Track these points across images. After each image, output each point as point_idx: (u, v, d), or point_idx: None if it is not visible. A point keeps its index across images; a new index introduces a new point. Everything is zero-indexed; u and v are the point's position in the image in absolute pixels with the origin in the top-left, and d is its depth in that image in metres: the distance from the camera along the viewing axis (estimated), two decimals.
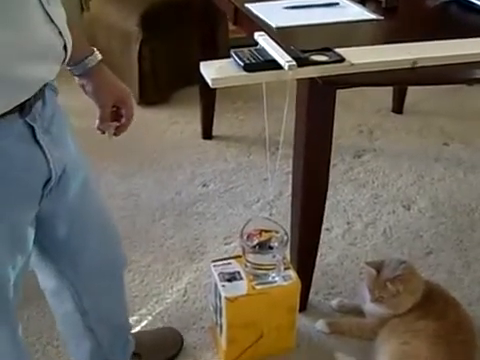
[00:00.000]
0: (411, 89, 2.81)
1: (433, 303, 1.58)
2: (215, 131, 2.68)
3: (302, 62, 1.20)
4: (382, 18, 1.59)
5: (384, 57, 1.28)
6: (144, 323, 1.69)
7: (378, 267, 1.58)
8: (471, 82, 1.59)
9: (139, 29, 2.81)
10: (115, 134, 1.16)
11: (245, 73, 1.19)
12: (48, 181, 0.96)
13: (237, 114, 2.82)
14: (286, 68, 1.16)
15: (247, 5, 1.68)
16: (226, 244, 2.00)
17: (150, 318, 1.70)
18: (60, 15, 0.90)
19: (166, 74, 2.94)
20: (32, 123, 0.89)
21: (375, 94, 2.90)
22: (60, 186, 1.00)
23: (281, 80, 1.19)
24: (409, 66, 1.29)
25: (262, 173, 2.38)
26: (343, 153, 2.51)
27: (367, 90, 2.93)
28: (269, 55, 1.22)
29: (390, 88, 2.80)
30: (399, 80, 1.34)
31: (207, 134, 2.65)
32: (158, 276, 1.86)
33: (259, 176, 2.38)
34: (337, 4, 1.66)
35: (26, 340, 1.24)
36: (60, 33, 0.88)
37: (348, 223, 2.12)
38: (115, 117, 1.15)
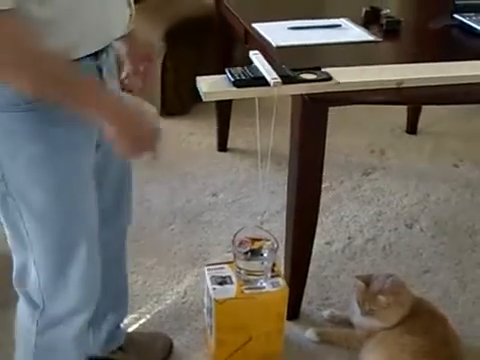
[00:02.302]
0: (426, 110, 2.85)
1: (420, 317, 1.63)
2: (230, 144, 2.77)
3: (289, 80, 1.29)
4: (381, 40, 1.66)
5: (370, 77, 1.36)
6: (142, 321, 1.78)
7: (367, 280, 1.64)
8: (455, 104, 1.64)
9: (163, 43, 2.93)
10: (143, 86, 1.32)
11: (235, 88, 1.28)
12: None
13: (253, 128, 2.90)
14: (271, 85, 1.25)
15: (254, 25, 1.77)
16: (228, 252, 2.07)
17: (148, 316, 1.80)
18: None
19: (188, 87, 3.03)
20: (101, 65, 1.11)
21: (390, 114, 2.95)
22: None
23: (268, 96, 1.28)
24: (394, 86, 1.36)
25: (271, 185, 2.45)
26: (352, 171, 2.58)
27: (382, 110, 2.99)
28: (259, 72, 1.30)
29: (404, 108, 2.85)
30: (385, 99, 1.40)
31: (222, 146, 2.75)
32: (160, 278, 1.96)
33: (268, 188, 2.45)
34: (339, 26, 1.74)
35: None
36: (129, 4, 1.14)
37: (349, 238, 2.18)
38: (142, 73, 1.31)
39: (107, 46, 1.12)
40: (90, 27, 1.03)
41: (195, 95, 3.44)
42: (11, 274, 1.57)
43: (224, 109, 2.65)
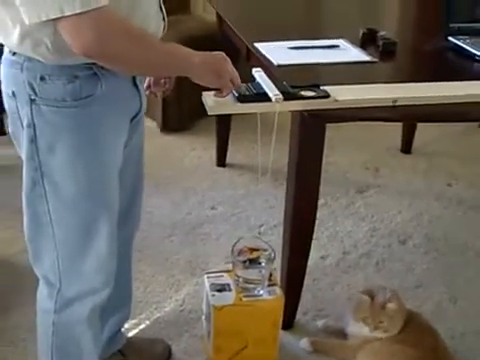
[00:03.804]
0: (420, 130, 2.93)
1: (411, 329, 1.68)
2: (229, 159, 2.85)
3: (290, 96, 1.36)
4: (377, 60, 1.74)
5: (366, 95, 1.43)
6: (142, 326, 1.84)
7: (370, 294, 1.67)
8: (448, 122, 1.71)
9: None
10: (164, 94, 1.48)
11: (238, 104, 1.35)
12: (136, 115, 1.30)
13: (252, 145, 2.98)
14: (273, 100, 1.32)
15: (256, 44, 1.84)
16: (226, 263, 2.12)
17: (148, 323, 1.85)
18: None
19: (188, 104, 3.12)
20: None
21: (385, 134, 3.03)
22: (134, 124, 1.32)
23: (270, 111, 1.34)
24: (390, 104, 1.43)
25: (269, 200, 2.52)
26: (348, 187, 2.65)
27: (377, 130, 3.06)
28: (261, 89, 1.38)
29: (400, 128, 2.94)
30: (380, 116, 1.48)
31: (221, 162, 2.82)
32: (160, 286, 2.02)
33: (266, 203, 2.52)
34: (337, 47, 1.82)
35: None
36: (163, 18, 1.25)
37: (344, 252, 2.24)
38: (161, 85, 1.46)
39: None
40: None
41: (195, 112, 3.55)
42: (11, 280, 1.64)
43: (223, 126, 2.73)
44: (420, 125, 2.92)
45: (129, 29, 1.08)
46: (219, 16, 2.45)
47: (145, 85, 1.38)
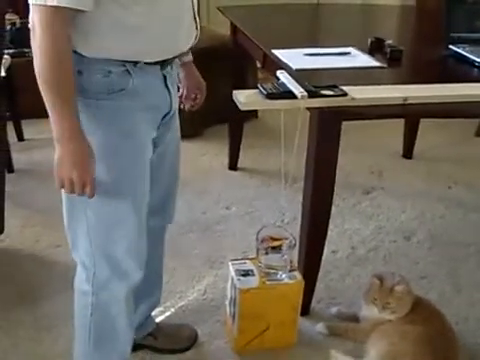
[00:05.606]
0: (420, 137, 3.10)
1: (420, 311, 1.82)
2: (240, 163, 3.00)
3: (312, 94, 1.51)
4: (385, 66, 1.89)
5: (380, 94, 1.59)
6: (168, 313, 1.97)
7: (380, 278, 1.82)
8: (450, 117, 1.87)
9: None
10: (192, 107, 1.66)
11: (267, 100, 1.50)
12: (166, 114, 1.40)
13: (262, 150, 3.14)
14: (299, 97, 1.47)
15: (274, 51, 2.00)
16: (243, 257, 2.27)
17: (173, 310, 1.98)
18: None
19: (201, 112, 3.26)
20: (166, 74, 1.35)
21: (388, 140, 3.19)
22: (166, 123, 1.42)
23: (295, 107, 1.49)
24: (400, 102, 1.58)
25: (280, 201, 2.66)
26: (354, 189, 2.80)
27: (381, 136, 3.24)
28: (287, 87, 1.53)
29: (401, 134, 3.10)
30: (391, 113, 1.63)
31: (233, 165, 2.97)
32: (182, 277, 2.15)
33: (277, 204, 2.66)
34: (349, 53, 1.98)
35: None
36: (196, 27, 1.37)
37: (352, 248, 2.38)
38: (191, 100, 1.64)
39: (172, 60, 1.35)
40: (161, 39, 1.26)
41: (206, 119, 3.69)
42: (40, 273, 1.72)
43: (236, 131, 2.88)
44: (420, 132, 3.09)
45: (54, 43, 1.13)
46: (234, 26, 2.60)
47: (178, 95, 1.50)
